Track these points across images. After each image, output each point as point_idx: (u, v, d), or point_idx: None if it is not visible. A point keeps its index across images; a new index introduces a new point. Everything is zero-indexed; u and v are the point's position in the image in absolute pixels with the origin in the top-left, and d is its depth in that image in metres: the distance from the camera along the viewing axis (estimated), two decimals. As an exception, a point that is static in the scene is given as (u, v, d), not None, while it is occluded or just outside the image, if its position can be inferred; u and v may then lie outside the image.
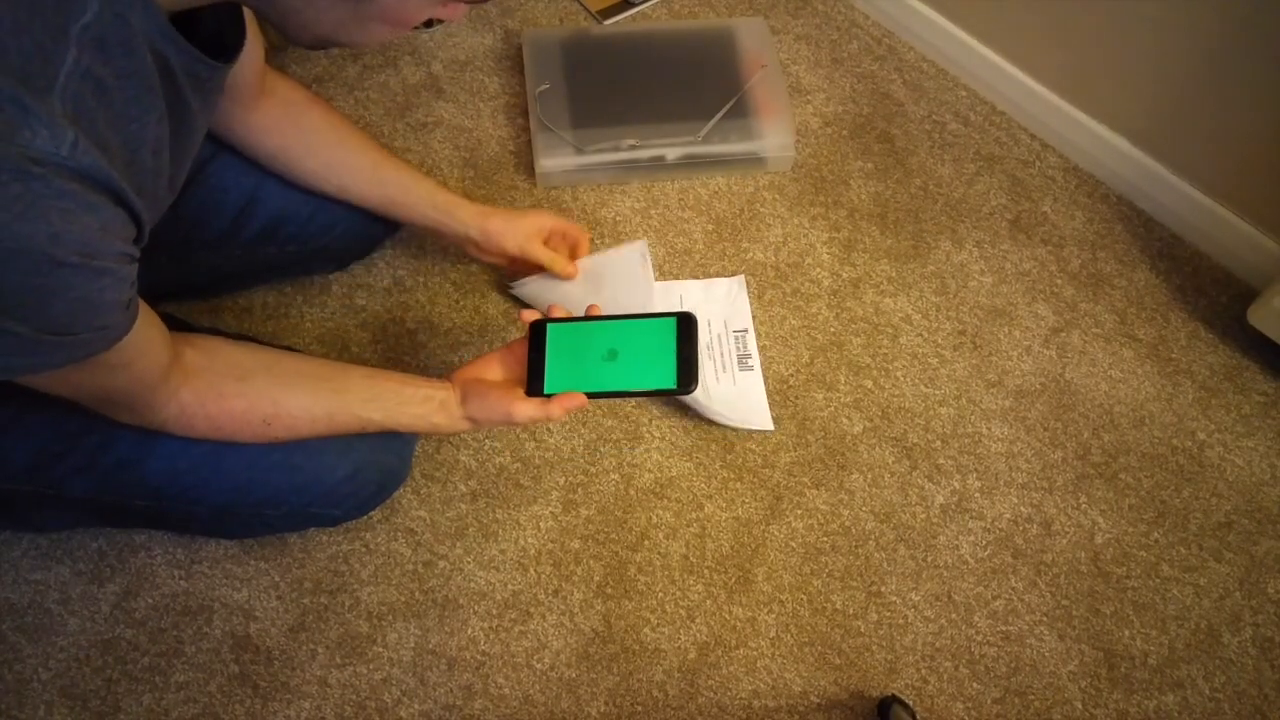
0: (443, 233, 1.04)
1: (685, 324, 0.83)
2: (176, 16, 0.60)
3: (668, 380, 0.81)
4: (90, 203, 0.55)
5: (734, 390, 1.12)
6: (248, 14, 0.73)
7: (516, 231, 1.04)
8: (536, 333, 0.84)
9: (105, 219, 0.57)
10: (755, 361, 1.14)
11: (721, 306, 1.18)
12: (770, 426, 1.10)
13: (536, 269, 1.08)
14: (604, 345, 0.83)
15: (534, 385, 0.82)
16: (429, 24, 1.38)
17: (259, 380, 0.79)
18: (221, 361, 0.78)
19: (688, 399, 1.08)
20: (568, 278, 1.06)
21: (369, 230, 1.08)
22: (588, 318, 0.85)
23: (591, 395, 0.82)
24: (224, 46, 0.67)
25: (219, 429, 0.78)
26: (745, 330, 1.16)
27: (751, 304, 1.19)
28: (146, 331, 0.67)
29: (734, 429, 1.09)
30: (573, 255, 1.08)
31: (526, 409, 0.81)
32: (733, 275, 1.20)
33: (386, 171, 1.00)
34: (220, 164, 0.96)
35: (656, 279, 1.17)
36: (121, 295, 0.61)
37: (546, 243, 1.07)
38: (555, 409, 0.82)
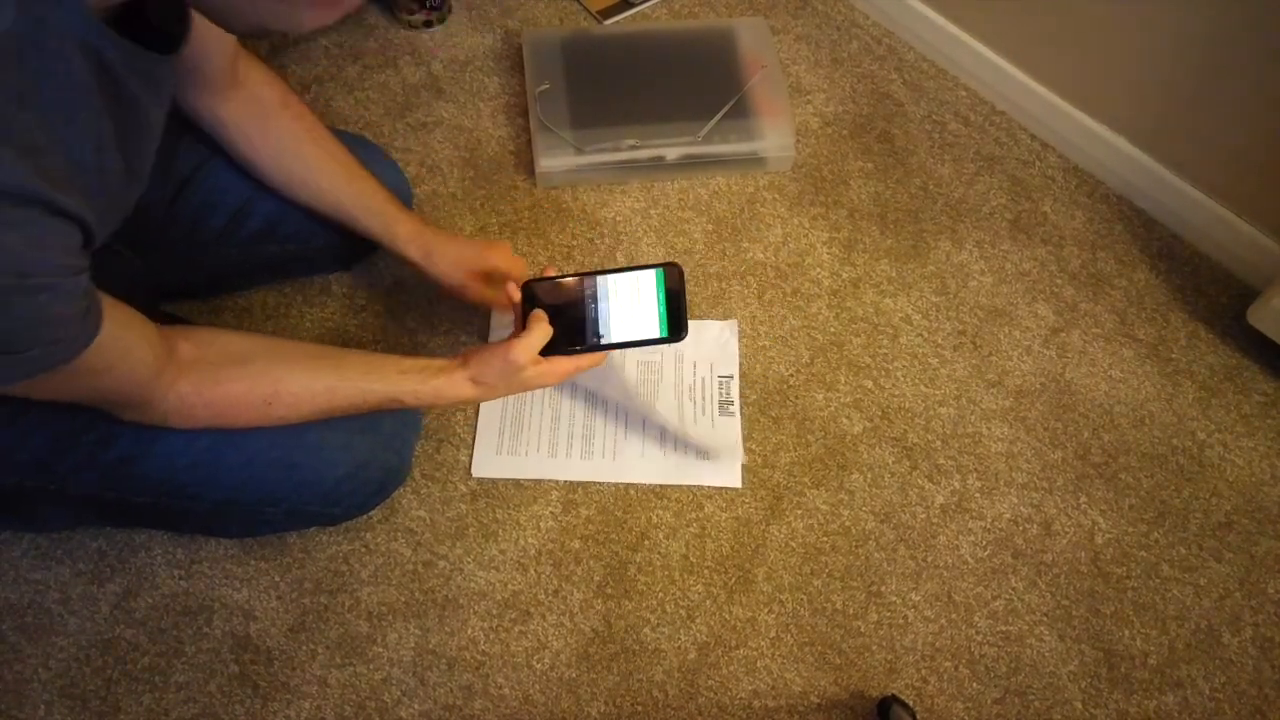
0: (390, 252, 1.01)
1: (672, 273, 0.86)
2: (120, 9, 0.59)
3: (660, 330, 0.85)
4: (12, 220, 0.53)
5: (710, 433, 1.09)
6: None
7: (453, 258, 0.99)
8: (528, 294, 0.86)
9: (34, 234, 0.55)
10: (737, 409, 1.11)
11: (709, 349, 1.15)
12: (738, 484, 1.06)
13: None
14: (596, 300, 0.86)
15: None
16: (428, 24, 1.39)
17: (258, 362, 0.79)
18: (218, 350, 0.78)
19: (649, 465, 1.06)
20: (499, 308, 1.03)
21: None
22: (577, 274, 0.88)
23: (586, 350, 0.85)
24: (170, 37, 0.66)
25: (220, 415, 0.78)
26: (731, 376, 1.13)
27: (751, 304, 1.19)
28: (124, 333, 0.67)
29: (699, 487, 1.06)
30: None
31: (521, 346, 0.81)
32: (725, 319, 1.17)
33: (339, 191, 0.97)
34: (218, 163, 0.96)
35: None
36: (71, 307, 0.60)
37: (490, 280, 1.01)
38: (564, 368, 0.85)
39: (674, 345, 1.15)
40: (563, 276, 0.87)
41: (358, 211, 0.98)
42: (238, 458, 0.85)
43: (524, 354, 0.82)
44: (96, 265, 0.89)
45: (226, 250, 1.02)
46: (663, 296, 0.86)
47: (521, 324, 0.85)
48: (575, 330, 0.85)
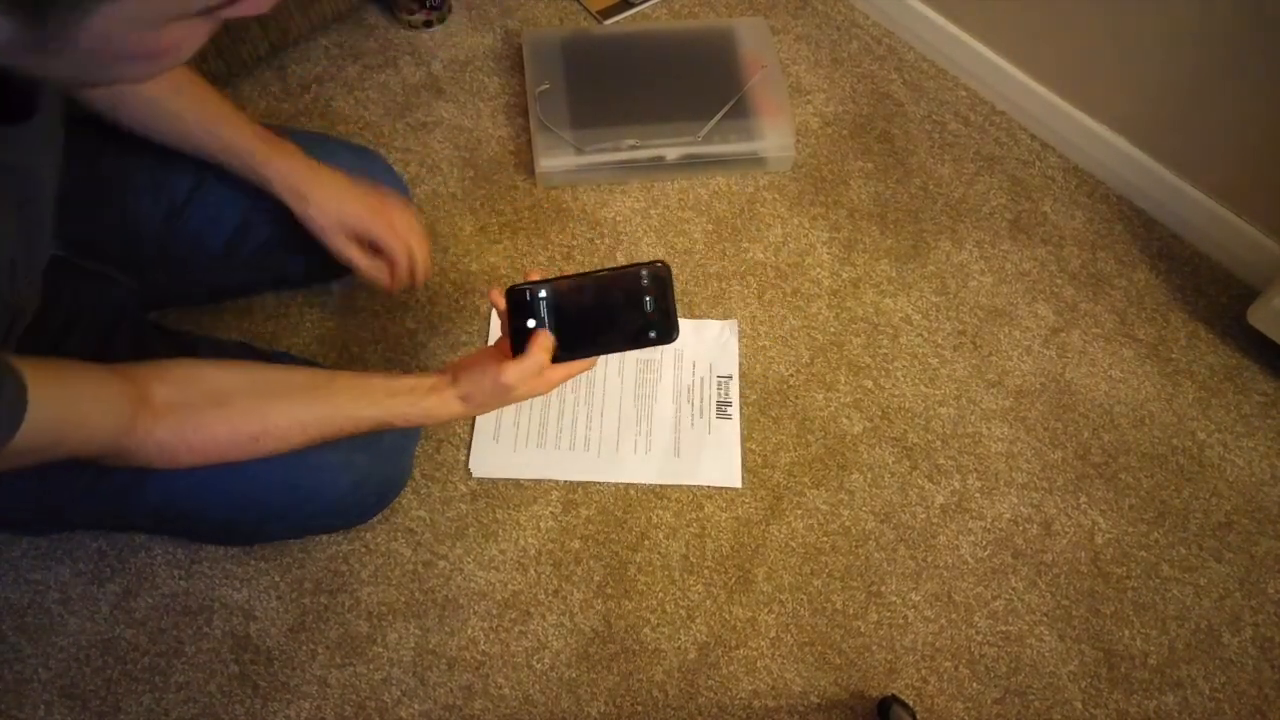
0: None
1: (660, 274, 0.82)
2: None
3: (649, 332, 0.82)
4: None
5: (707, 438, 1.09)
6: None
7: (334, 215, 0.91)
8: (514, 300, 0.82)
9: None
10: (735, 411, 1.11)
11: (709, 349, 1.15)
12: (738, 484, 1.07)
13: None
14: (583, 303, 0.82)
15: (519, 350, 0.80)
16: (428, 24, 1.39)
17: (240, 401, 0.75)
18: (197, 391, 0.74)
19: (647, 465, 1.07)
20: (383, 289, 0.97)
21: None
22: (564, 277, 0.83)
23: (573, 356, 0.81)
24: (22, 106, 0.60)
25: (206, 456, 0.75)
26: (730, 377, 1.13)
27: (751, 304, 1.19)
28: (67, 409, 0.63)
29: (699, 487, 1.07)
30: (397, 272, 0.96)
31: (512, 368, 0.78)
32: (725, 319, 1.17)
33: (194, 135, 0.89)
34: (213, 183, 0.93)
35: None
36: None
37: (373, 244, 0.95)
38: (556, 376, 0.80)
39: (672, 346, 1.15)
40: (547, 281, 0.83)
41: (220, 154, 0.90)
42: (237, 481, 0.83)
43: (517, 378, 0.78)
44: (84, 291, 0.85)
45: (230, 269, 1.00)
46: (651, 297, 0.82)
47: (508, 329, 0.81)
48: (563, 336, 0.82)
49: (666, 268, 0.82)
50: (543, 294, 0.81)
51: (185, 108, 0.88)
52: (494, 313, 1.15)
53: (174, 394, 0.72)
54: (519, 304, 0.81)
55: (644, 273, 0.82)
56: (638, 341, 0.82)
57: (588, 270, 0.83)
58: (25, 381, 0.58)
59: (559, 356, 0.82)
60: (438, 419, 0.84)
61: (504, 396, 0.81)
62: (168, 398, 0.71)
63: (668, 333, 0.82)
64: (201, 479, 0.81)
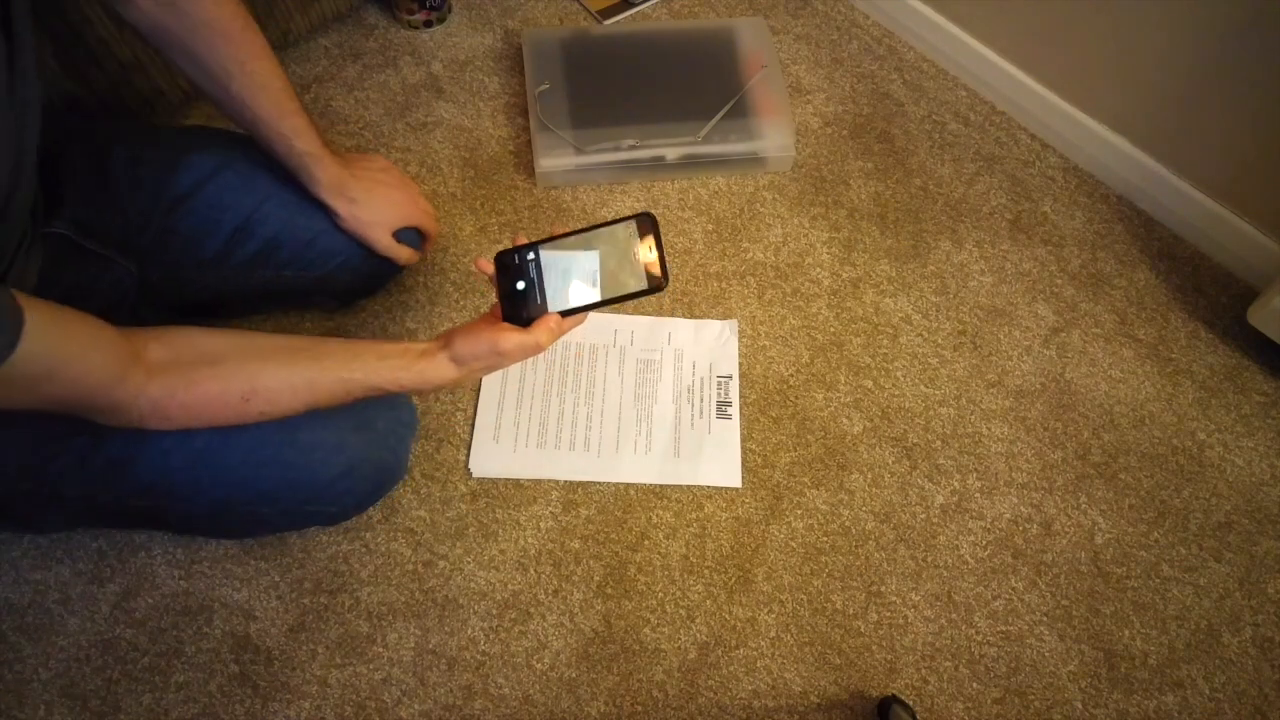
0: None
1: (645, 225, 0.81)
2: None
3: (639, 283, 0.80)
4: None
5: (707, 438, 1.09)
6: None
7: (381, 218, 1.01)
8: (503, 264, 0.81)
9: None
10: (735, 410, 1.11)
11: (709, 349, 1.15)
12: (738, 484, 1.07)
13: None
14: (572, 260, 0.81)
15: (511, 313, 0.81)
16: (428, 24, 1.39)
17: (231, 361, 0.77)
18: (190, 351, 0.76)
19: (647, 465, 1.07)
20: (403, 261, 1.05)
21: (372, 264, 1.04)
22: (550, 237, 0.82)
23: (567, 312, 0.80)
24: None
25: (197, 416, 0.76)
26: (730, 376, 1.13)
27: (751, 304, 1.19)
28: (62, 342, 0.65)
29: (699, 487, 1.07)
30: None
31: (512, 337, 0.78)
32: (725, 319, 1.17)
33: (261, 125, 0.92)
34: (218, 183, 0.95)
35: (647, 312, 1.17)
36: None
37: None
38: (541, 336, 0.79)
39: (672, 346, 1.15)
40: (534, 243, 0.82)
41: (278, 149, 0.94)
42: (230, 458, 0.84)
43: (513, 348, 0.78)
44: (85, 272, 0.86)
45: (223, 271, 1.00)
46: (639, 247, 0.81)
47: (499, 294, 0.81)
48: (554, 295, 0.81)
49: (652, 218, 0.81)
50: (530, 256, 0.81)
51: (250, 87, 0.91)
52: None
53: (168, 353, 0.74)
54: (507, 267, 0.81)
55: (630, 225, 0.81)
56: (629, 294, 0.81)
57: (574, 229, 0.83)
58: (22, 308, 0.61)
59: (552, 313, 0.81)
60: (431, 383, 0.83)
61: (499, 361, 0.81)
62: (161, 355, 0.74)
63: (658, 283, 0.80)
64: (196, 453, 0.83)
